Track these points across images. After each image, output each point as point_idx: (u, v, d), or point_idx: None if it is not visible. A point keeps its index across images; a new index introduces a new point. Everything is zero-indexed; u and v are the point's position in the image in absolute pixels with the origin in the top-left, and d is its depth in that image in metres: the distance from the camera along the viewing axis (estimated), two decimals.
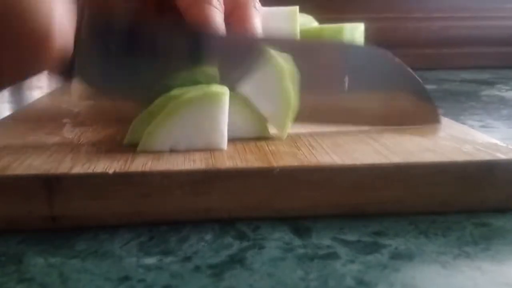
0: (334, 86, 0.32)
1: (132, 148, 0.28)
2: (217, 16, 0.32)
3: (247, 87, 0.31)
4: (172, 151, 0.28)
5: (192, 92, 0.28)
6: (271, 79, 0.31)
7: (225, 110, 0.28)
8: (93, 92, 0.33)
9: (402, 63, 0.33)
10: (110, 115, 0.38)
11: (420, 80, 0.33)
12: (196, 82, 0.30)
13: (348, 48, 0.34)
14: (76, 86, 0.33)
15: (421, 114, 0.33)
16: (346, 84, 0.32)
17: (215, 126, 0.28)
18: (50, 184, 0.24)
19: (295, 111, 0.31)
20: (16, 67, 0.29)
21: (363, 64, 0.33)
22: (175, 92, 0.29)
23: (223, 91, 0.28)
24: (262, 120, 0.31)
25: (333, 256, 0.22)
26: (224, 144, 0.28)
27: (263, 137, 0.31)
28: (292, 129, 0.32)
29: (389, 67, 0.33)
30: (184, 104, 0.28)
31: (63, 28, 0.28)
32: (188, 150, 0.28)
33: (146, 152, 0.27)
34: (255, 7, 0.35)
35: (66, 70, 0.30)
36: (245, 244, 0.23)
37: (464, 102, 0.58)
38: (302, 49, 0.32)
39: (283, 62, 0.31)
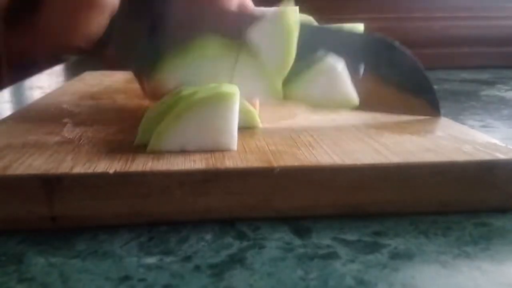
0: (350, 71, 0.34)
1: (132, 148, 0.29)
2: None
3: (256, 35, 0.32)
4: (182, 151, 0.28)
5: (202, 92, 0.28)
6: (280, 34, 0.32)
7: (235, 111, 0.28)
8: (125, 63, 0.33)
9: (412, 56, 0.36)
10: (111, 115, 0.38)
11: (427, 75, 0.36)
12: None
13: (364, 37, 0.36)
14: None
15: (423, 106, 0.36)
16: (361, 71, 0.35)
17: (225, 126, 0.28)
18: (51, 184, 0.24)
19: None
20: (61, 33, 0.28)
21: (378, 53, 0.35)
22: (185, 92, 0.29)
23: (233, 92, 0.28)
24: (251, 111, 0.33)
25: (333, 256, 0.22)
26: (234, 145, 0.28)
27: (252, 127, 0.33)
28: (291, 126, 0.33)
29: (400, 59, 0.35)
30: (194, 105, 0.28)
31: None
32: (197, 151, 0.28)
33: (155, 152, 0.27)
34: None
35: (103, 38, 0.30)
36: (245, 244, 0.23)
37: (464, 102, 0.58)
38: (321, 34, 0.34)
39: (294, 22, 0.32)
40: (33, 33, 0.28)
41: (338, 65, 0.33)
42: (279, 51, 0.32)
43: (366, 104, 0.35)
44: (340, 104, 0.34)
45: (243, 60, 0.32)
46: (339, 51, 0.34)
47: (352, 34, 0.36)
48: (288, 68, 0.33)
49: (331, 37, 0.34)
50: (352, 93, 0.34)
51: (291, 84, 0.33)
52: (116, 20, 0.30)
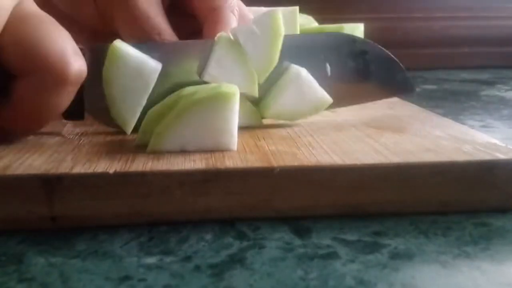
0: (317, 72, 0.35)
1: (132, 148, 0.29)
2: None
3: (242, 35, 0.33)
4: (182, 151, 0.28)
5: (202, 92, 0.28)
6: (266, 37, 0.33)
7: (235, 110, 0.28)
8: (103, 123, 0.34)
9: (373, 43, 0.37)
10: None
11: (393, 57, 0.37)
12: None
13: (322, 37, 0.37)
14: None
15: (396, 87, 0.37)
16: (329, 71, 0.35)
17: (225, 126, 0.28)
18: (51, 184, 0.24)
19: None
20: (34, 108, 0.29)
21: (340, 49, 0.36)
22: (184, 92, 0.29)
23: (233, 91, 0.28)
24: (253, 109, 0.33)
25: (333, 255, 0.22)
26: (234, 145, 0.28)
27: (254, 125, 0.33)
28: (291, 126, 0.33)
29: (363, 49, 0.36)
30: (194, 105, 0.28)
31: (77, 56, 0.29)
32: (197, 151, 0.28)
33: (155, 152, 0.27)
34: (232, 12, 0.36)
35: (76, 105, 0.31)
36: (245, 244, 0.23)
37: (464, 102, 0.58)
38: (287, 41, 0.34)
39: (281, 26, 0.33)
40: (5, 110, 0.29)
41: (301, 72, 0.33)
42: (262, 54, 0.33)
43: (341, 100, 0.36)
44: (315, 108, 0.34)
45: (223, 53, 0.33)
46: (301, 58, 0.34)
47: (309, 37, 0.37)
48: (268, 73, 0.33)
49: (291, 45, 0.34)
50: (322, 95, 0.34)
51: (263, 103, 0.34)
52: (88, 86, 0.31)
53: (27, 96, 0.28)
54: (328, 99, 0.34)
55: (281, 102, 0.33)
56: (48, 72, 0.27)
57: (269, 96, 0.34)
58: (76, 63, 0.28)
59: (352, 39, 0.36)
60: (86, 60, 0.29)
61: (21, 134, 0.31)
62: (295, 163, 0.26)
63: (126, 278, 0.21)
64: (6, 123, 0.29)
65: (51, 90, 0.28)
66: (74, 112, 0.32)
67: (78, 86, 0.29)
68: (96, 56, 0.31)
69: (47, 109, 0.29)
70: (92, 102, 0.32)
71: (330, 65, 0.35)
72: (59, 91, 0.28)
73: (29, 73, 0.28)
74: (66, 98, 0.29)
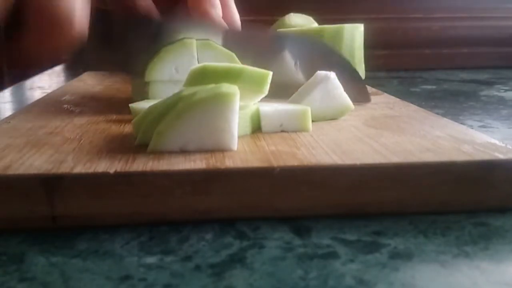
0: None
1: (133, 148, 0.29)
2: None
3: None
4: (183, 151, 0.28)
5: (203, 92, 0.28)
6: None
7: (236, 111, 0.28)
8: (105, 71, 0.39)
9: (337, 51, 0.43)
10: (111, 115, 0.38)
11: (351, 64, 0.42)
12: None
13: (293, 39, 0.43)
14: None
15: (353, 93, 0.39)
16: (297, 65, 0.41)
17: (226, 126, 0.28)
18: (51, 183, 0.24)
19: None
20: (39, 50, 0.33)
21: (308, 51, 0.42)
22: (185, 92, 0.29)
23: (234, 92, 0.28)
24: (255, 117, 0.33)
25: (333, 255, 0.22)
26: (235, 145, 0.28)
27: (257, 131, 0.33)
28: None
29: (327, 53, 0.42)
30: (195, 105, 0.28)
31: (81, 18, 0.32)
32: (198, 151, 0.28)
33: (156, 152, 0.28)
34: None
35: (79, 56, 0.35)
36: (245, 243, 0.24)
37: (463, 102, 0.59)
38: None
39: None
40: (18, 48, 0.33)
41: (330, 75, 0.36)
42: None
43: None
44: (340, 112, 0.36)
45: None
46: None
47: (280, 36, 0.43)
48: None
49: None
50: (347, 99, 0.36)
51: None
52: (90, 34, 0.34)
53: (32, 36, 0.33)
54: (351, 104, 0.36)
55: (308, 103, 0.35)
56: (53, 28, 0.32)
57: (297, 97, 0.36)
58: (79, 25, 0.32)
59: (330, 50, 0.41)
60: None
61: (34, 66, 0.37)
62: (295, 163, 0.26)
63: (127, 277, 0.21)
64: (18, 58, 0.34)
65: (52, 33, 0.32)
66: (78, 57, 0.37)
67: (78, 33, 0.33)
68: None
69: (50, 48, 0.33)
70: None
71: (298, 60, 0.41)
72: (59, 32, 0.32)
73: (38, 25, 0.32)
74: (67, 39, 0.33)
